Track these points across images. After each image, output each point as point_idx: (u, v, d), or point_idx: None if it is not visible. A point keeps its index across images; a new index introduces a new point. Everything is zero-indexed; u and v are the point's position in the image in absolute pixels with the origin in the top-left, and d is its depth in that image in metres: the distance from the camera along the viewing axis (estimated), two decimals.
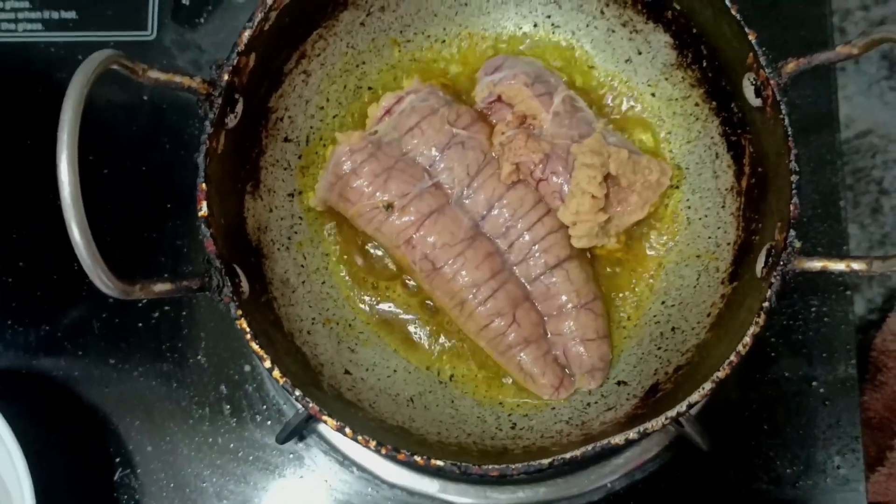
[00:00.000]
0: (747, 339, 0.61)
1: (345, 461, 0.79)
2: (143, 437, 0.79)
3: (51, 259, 0.83)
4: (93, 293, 0.81)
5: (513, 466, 0.60)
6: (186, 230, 0.82)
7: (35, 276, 0.83)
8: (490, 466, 0.60)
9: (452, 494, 0.77)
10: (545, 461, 0.60)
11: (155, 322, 0.81)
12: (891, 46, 0.60)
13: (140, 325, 0.81)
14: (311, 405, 0.61)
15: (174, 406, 0.80)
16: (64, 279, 0.83)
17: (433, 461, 0.60)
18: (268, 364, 0.61)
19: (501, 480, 0.76)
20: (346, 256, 0.74)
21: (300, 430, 0.75)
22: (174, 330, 0.81)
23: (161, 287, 0.59)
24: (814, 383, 0.81)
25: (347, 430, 0.60)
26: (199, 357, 0.81)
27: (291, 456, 0.79)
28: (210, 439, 0.79)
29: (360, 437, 0.60)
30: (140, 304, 0.81)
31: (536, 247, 0.70)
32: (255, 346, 0.61)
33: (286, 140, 0.73)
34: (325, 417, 0.61)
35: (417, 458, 0.60)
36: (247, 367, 0.80)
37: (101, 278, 0.55)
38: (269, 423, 0.79)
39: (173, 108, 0.86)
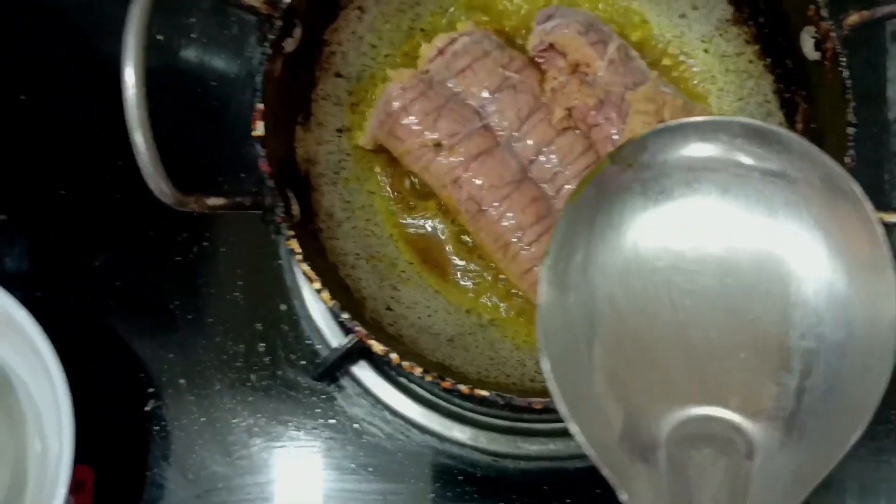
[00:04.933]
0: None
1: (377, 405, 0.78)
2: (176, 370, 0.79)
3: (89, 191, 0.83)
4: (131, 225, 0.81)
5: None
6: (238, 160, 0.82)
7: (74, 208, 0.83)
8: (535, 399, 0.60)
9: (483, 443, 0.77)
10: None
11: (193, 257, 0.81)
12: None
13: (178, 259, 0.81)
14: (357, 328, 0.61)
15: (209, 341, 0.80)
16: (102, 212, 0.83)
17: (477, 391, 0.60)
18: (317, 286, 0.61)
19: (543, 418, 0.75)
20: (393, 194, 0.74)
21: (336, 367, 0.75)
22: (211, 266, 0.81)
23: (215, 201, 0.59)
24: None
25: (393, 355, 0.60)
26: (235, 294, 0.81)
27: (324, 397, 0.79)
28: (243, 376, 0.79)
29: (405, 364, 0.60)
30: (179, 238, 0.81)
31: None
32: (305, 267, 0.61)
33: (338, 75, 0.73)
34: (371, 342, 0.61)
35: (462, 387, 0.60)
36: (283, 307, 0.80)
37: (159, 185, 0.55)
38: (302, 363, 0.79)
39: (217, 46, 0.86)
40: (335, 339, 0.78)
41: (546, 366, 0.45)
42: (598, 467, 0.44)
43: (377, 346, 0.61)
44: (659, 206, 0.49)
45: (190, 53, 0.87)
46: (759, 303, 0.47)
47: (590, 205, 0.48)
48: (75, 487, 0.72)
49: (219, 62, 0.87)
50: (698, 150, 0.48)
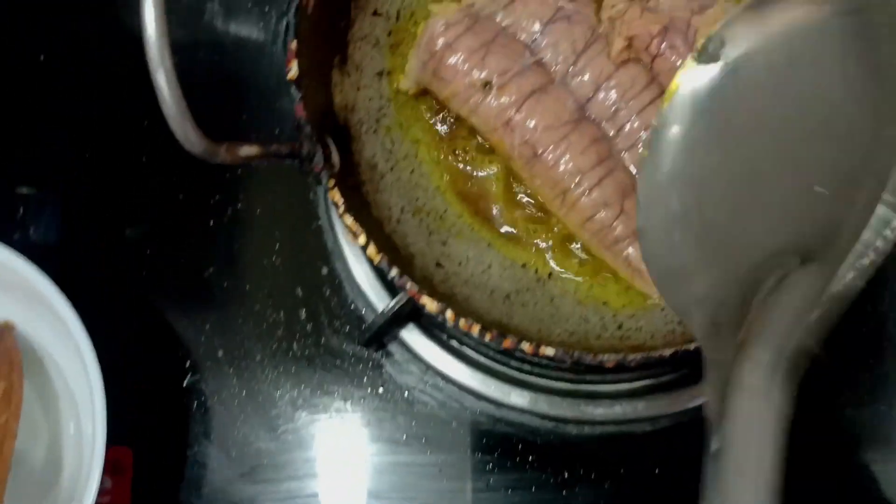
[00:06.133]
0: None
1: (428, 371, 0.73)
2: (214, 342, 0.74)
3: (114, 154, 0.79)
4: (160, 189, 0.77)
5: (631, 356, 0.54)
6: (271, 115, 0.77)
7: (100, 174, 0.79)
8: (606, 356, 0.54)
9: (544, 408, 0.72)
10: (666, 352, 0.54)
11: (227, 220, 0.76)
12: None
13: (212, 223, 0.76)
14: (409, 286, 0.55)
15: (247, 309, 0.75)
16: (128, 177, 0.78)
17: (542, 349, 0.55)
18: (362, 240, 0.56)
19: (607, 378, 0.70)
20: (436, 142, 0.68)
21: (383, 332, 0.70)
22: (247, 229, 0.76)
23: (248, 150, 0.53)
24: None
25: (448, 313, 0.55)
26: (273, 258, 0.76)
27: (371, 365, 0.74)
28: (285, 345, 0.74)
29: (462, 322, 0.55)
30: (211, 201, 0.76)
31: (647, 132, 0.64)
32: (348, 221, 0.56)
33: (375, 13, 0.68)
34: (423, 300, 0.56)
35: (525, 345, 0.55)
36: (324, 270, 0.75)
37: (186, 131, 0.49)
38: (347, 328, 0.74)
39: None
40: (381, 302, 0.72)
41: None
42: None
43: (431, 304, 0.55)
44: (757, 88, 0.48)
45: (215, 20, 0.82)
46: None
47: (683, 108, 0.49)
48: (113, 469, 0.68)
49: (249, 11, 0.82)
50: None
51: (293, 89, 0.56)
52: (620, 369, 0.55)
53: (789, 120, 0.48)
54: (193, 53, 0.81)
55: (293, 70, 0.56)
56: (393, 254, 0.62)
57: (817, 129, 0.48)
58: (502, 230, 0.67)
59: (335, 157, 0.58)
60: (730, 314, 0.46)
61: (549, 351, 0.55)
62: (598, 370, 0.69)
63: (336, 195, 0.56)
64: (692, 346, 0.54)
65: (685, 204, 0.48)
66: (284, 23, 0.57)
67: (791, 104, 0.48)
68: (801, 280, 0.46)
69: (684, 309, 0.48)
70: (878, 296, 0.74)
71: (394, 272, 0.55)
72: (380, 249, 0.58)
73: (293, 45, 0.56)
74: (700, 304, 0.47)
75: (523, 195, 0.68)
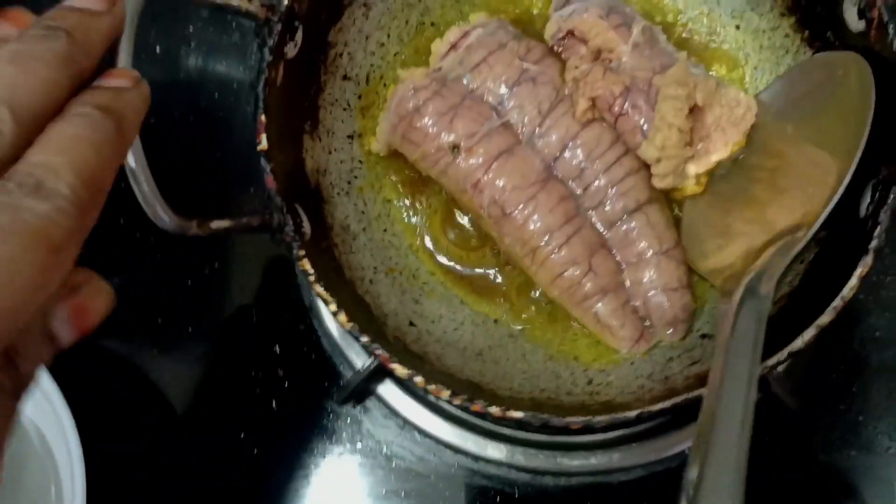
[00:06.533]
0: (854, 282, 0.56)
1: (405, 426, 0.74)
2: (193, 400, 0.75)
3: (97, 223, 0.79)
4: (137, 250, 0.77)
5: (597, 418, 0.55)
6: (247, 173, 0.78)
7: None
8: (573, 419, 0.55)
9: (520, 460, 0.73)
10: (631, 413, 0.55)
11: (204, 279, 0.77)
12: None
13: (189, 282, 0.77)
14: (379, 352, 0.56)
15: (226, 368, 0.76)
16: (106, 239, 0.79)
17: (511, 413, 0.56)
18: (333, 308, 0.56)
19: (582, 433, 0.71)
20: (409, 203, 0.69)
21: (360, 389, 0.71)
22: (224, 287, 0.77)
23: (219, 224, 0.55)
24: None
25: (418, 378, 0.56)
26: (250, 316, 0.77)
27: (349, 420, 0.74)
28: (264, 403, 0.75)
29: (431, 387, 0.56)
30: (188, 261, 0.77)
31: (614, 189, 0.65)
32: (318, 289, 0.56)
33: (345, 78, 0.69)
34: (393, 365, 0.56)
35: (493, 409, 0.56)
36: (301, 327, 0.76)
37: (156, 211, 0.51)
38: (325, 385, 0.75)
39: (219, 54, 0.82)
40: (358, 358, 0.73)
41: None
42: None
43: (401, 370, 0.56)
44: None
45: (191, 64, 0.83)
46: None
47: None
48: None
49: (222, 71, 0.83)
50: None
51: (263, 161, 0.57)
52: (587, 431, 0.56)
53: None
54: (171, 98, 0.82)
55: (263, 142, 0.57)
56: (366, 315, 0.62)
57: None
58: (474, 287, 0.68)
59: (306, 226, 0.59)
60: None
61: (517, 414, 0.55)
62: (567, 432, 0.70)
63: (306, 265, 0.56)
64: (657, 407, 0.55)
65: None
66: (253, 97, 0.58)
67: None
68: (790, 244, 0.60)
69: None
70: (847, 344, 0.75)
71: (364, 339, 0.56)
72: (353, 312, 0.58)
73: (262, 118, 0.57)
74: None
75: (496, 252, 0.69)
